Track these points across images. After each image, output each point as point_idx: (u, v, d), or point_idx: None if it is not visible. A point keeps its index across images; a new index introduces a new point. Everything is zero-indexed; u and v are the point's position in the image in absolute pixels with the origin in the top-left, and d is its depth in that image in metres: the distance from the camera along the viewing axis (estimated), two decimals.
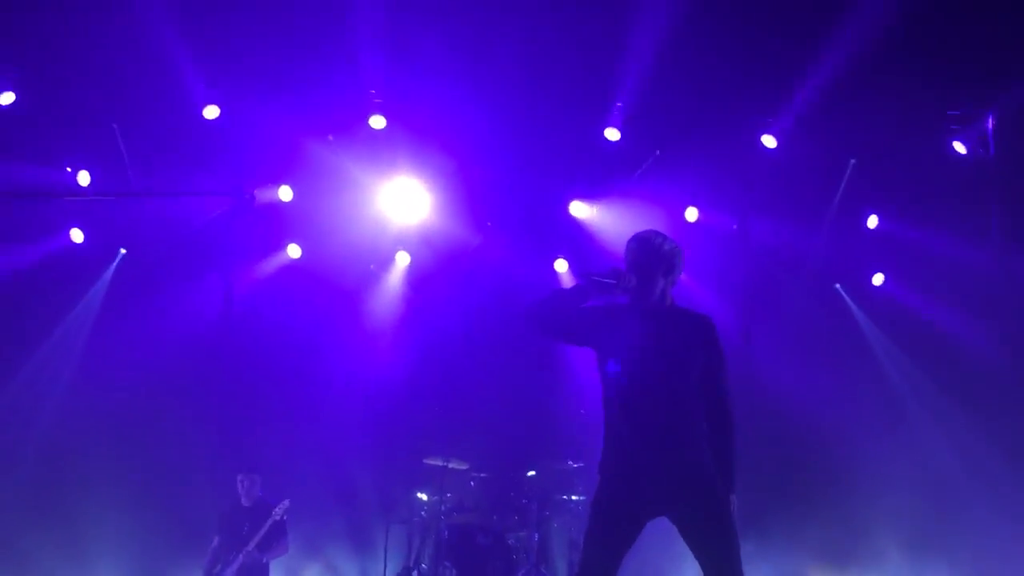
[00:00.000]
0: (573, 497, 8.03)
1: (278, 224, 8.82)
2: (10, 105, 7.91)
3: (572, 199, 9.20)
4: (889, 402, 8.93)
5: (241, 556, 7.41)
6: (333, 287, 8.83)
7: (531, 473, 8.33)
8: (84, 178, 8.38)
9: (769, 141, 8.92)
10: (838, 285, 9.31)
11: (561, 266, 9.28)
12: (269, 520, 7.48)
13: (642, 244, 4.44)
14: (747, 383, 8.50)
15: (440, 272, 9.17)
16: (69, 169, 8.32)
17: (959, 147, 8.89)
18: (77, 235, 8.62)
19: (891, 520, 8.49)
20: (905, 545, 8.47)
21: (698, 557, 4.15)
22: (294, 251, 8.95)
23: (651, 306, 4.39)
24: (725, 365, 4.40)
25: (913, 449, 8.54)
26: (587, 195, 9.21)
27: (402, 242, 9.13)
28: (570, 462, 8.09)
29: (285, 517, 7.54)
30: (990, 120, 8.92)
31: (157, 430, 8.31)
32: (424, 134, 8.89)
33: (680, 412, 4.23)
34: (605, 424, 4.34)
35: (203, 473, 8.26)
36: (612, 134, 8.87)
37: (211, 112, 8.41)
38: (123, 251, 8.78)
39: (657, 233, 4.53)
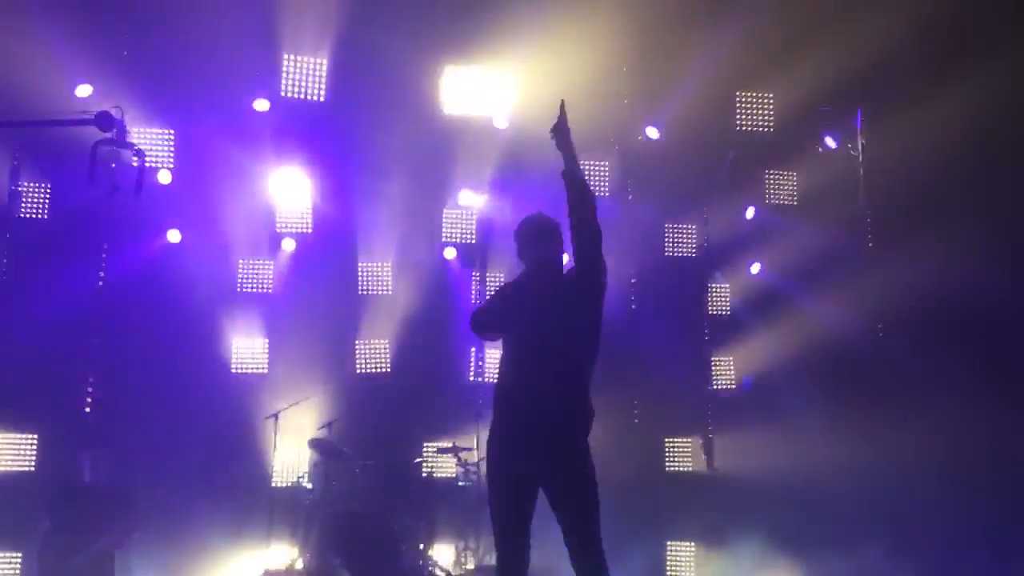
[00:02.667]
0: (460, 483, 8.05)
1: (158, 208, 8.55)
2: None
3: (461, 188, 9.25)
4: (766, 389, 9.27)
5: (96, 544, 6.93)
6: (212, 272, 8.62)
7: (417, 460, 8.33)
8: None
9: (652, 132, 9.22)
10: (718, 273, 9.60)
11: (450, 253, 9.31)
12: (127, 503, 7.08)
13: (528, 225, 4.71)
14: (632, 360, 8.80)
15: (325, 257, 9.06)
16: None
17: (830, 142, 9.33)
18: None
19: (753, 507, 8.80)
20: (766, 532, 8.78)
21: (562, 522, 4.35)
22: (174, 236, 8.71)
23: (543, 278, 4.56)
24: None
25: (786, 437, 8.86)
26: (476, 184, 9.27)
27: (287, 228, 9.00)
28: (453, 442, 8.08)
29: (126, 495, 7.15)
30: (859, 117, 9.41)
31: None
32: (309, 119, 8.85)
33: (564, 379, 4.39)
34: (497, 396, 4.50)
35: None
36: (500, 122, 9.01)
37: (83, 91, 8.19)
38: None
39: (539, 213, 4.78)
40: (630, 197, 9.43)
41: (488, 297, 4.69)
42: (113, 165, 7.25)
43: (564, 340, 4.42)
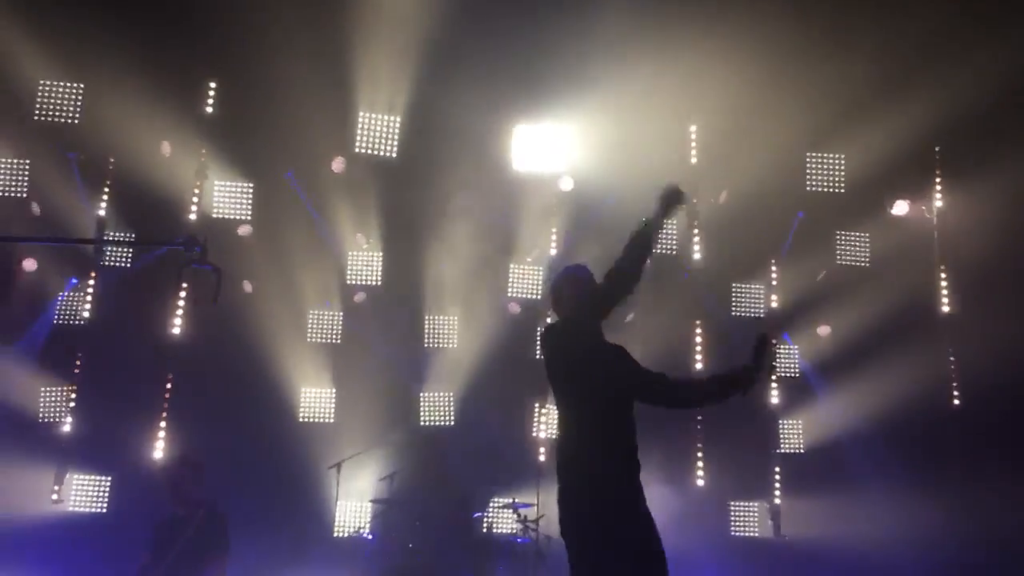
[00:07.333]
0: (519, 539, 7.97)
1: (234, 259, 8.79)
2: None
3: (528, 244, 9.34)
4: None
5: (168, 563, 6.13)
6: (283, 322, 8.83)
7: (477, 514, 8.29)
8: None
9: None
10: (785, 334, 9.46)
11: (515, 308, 9.36)
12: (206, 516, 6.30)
13: (555, 280, 4.48)
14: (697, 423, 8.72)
15: (393, 309, 9.20)
16: None
17: (903, 205, 9.21)
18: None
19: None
20: None
21: None
22: (247, 286, 8.95)
23: (575, 342, 4.24)
24: (652, 384, 4.25)
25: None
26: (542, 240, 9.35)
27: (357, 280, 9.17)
28: (513, 498, 8.02)
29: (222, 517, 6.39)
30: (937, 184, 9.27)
31: None
32: (381, 175, 9.08)
33: (593, 458, 4.08)
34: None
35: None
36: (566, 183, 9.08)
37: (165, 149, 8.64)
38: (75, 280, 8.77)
39: (569, 268, 4.54)
40: (698, 257, 9.37)
41: None
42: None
43: (588, 412, 4.14)
